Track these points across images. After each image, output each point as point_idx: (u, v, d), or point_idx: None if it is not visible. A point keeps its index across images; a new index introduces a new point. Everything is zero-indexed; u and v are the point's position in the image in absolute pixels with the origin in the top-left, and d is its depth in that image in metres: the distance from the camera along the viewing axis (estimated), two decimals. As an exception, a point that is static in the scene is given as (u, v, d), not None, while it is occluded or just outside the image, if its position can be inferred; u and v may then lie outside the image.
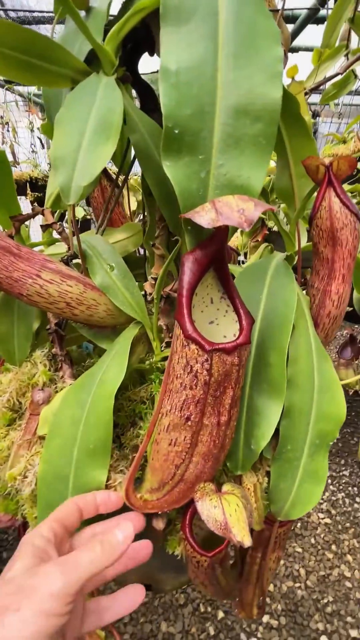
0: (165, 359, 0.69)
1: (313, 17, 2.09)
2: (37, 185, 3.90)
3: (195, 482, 0.51)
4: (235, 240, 2.32)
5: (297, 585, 1.96)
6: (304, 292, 0.76)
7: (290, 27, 2.21)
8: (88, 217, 3.35)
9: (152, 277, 0.64)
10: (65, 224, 0.85)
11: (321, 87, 1.70)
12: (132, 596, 0.50)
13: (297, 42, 2.46)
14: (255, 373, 0.57)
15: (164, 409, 0.49)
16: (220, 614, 1.83)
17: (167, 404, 0.48)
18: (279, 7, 1.44)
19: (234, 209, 0.34)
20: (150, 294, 0.64)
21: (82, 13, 0.55)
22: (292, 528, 2.23)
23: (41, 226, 0.71)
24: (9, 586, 0.37)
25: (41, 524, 0.46)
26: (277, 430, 0.61)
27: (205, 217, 0.35)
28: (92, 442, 0.58)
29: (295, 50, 2.56)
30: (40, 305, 0.63)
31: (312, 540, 2.18)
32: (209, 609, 1.84)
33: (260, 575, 0.73)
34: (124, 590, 0.51)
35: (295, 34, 2.28)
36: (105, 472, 0.56)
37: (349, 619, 1.82)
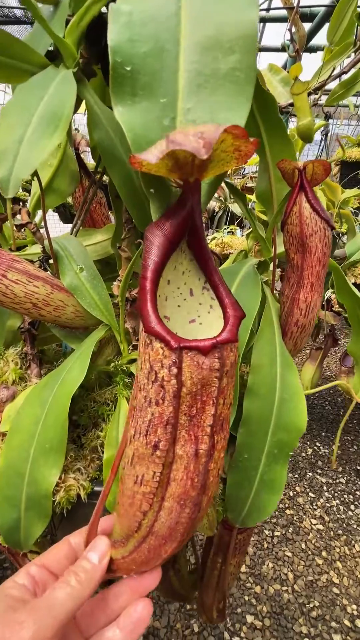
0: (132, 361, 0.69)
1: (331, 15, 2.02)
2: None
3: (169, 536, 0.38)
4: (242, 244, 2.30)
5: (284, 588, 1.95)
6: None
7: (307, 25, 2.14)
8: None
9: (118, 280, 0.64)
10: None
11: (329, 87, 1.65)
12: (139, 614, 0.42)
13: (315, 42, 2.36)
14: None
15: (128, 435, 0.37)
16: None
17: (131, 427, 0.36)
18: (295, 4, 1.40)
19: (189, 135, 0.26)
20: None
21: (51, 8, 0.55)
22: (284, 533, 2.22)
23: (16, 226, 0.72)
24: None
25: (20, 569, 0.41)
26: (234, 438, 0.61)
27: (153, 151, 0.26)
28: (48, 441, 0.58)
29: (313, 50, 2.44)
30: (6, 305, 0.64)
31: (303, 546, 2.16)
32: (195, 607, 1.85)
33: (221, 579, 0.74)
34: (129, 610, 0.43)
35: (313, 33, 2.18)
36: (57, 472, 0.57)
37: (333, 624, 1.81)
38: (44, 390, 0.63)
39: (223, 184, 2.98)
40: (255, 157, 2.40)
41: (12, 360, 0.74)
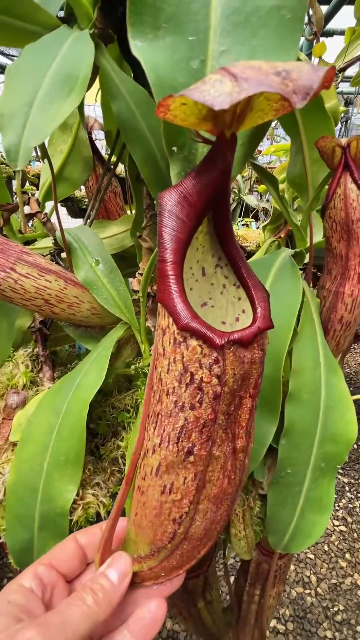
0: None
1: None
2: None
3: (204, 537, 0.35)
4: (257, 237, 2.20)
5: (307, 591, 1.86)
6: (316, 294, 0.68)
7: (324, 8, 2.05)
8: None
9: (139, 273, 0.57)
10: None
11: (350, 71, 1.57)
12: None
13: (331, 25, 2.27)
14: (248, 385, 0.49)
15: (149, 443, 0.33)
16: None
17: (155, 435, 0.32)
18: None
19: (268, 72, 0.20)
20: (138, 291, 0.57)
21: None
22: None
23: (25, 215, 0.66)
24: None
25: (26, 569, 0.37)
26: (275, 451, 0.54)
27: (213, 91, 0.19)
28: (64, 454, 0.52)
29: (329, 34, 2.35)
30: (15, 302, 0.58)
31: (326, 547, 2.07)
32: None
33: (260, 614, 0.65)
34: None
35: (329, 16, 2.09)
36: (74, 488, 0.51)
37: (359, 628, 1.72)
38: (57, 396, 0.57)
39: (239, 177, 2.90)
40: (270, 147, 2.31)
41: (22, 363, 0.68)
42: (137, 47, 0.30)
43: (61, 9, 0.51)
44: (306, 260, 0.68)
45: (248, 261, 0.64)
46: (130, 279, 0.57)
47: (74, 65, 0.37)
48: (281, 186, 1.06)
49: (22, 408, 0.60)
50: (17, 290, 0.56)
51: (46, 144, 0.73)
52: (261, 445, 0.48)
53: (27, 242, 0.87)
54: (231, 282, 0.35)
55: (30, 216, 0.66)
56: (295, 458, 0.52)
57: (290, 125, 0.65)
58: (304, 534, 0.53)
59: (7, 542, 0.54)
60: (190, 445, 0.30)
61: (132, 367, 0.61)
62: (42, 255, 0.73)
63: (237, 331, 0.28)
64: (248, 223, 2.52)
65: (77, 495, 0.53)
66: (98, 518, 0.54)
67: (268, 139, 3.36)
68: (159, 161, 0.47)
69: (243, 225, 2.48)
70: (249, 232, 2.13)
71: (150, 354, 0.64)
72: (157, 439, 0.32)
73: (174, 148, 0.30)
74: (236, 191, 2.55)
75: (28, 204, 0.69)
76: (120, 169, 1.41)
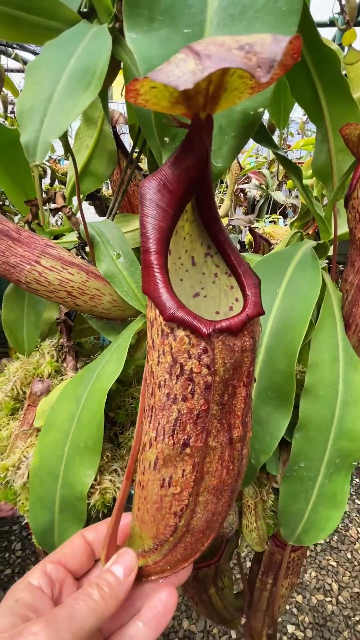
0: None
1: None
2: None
3: (207, 528, 0.35)
4: (285, 234, 2.16)
5: (328, 599, 1.83)
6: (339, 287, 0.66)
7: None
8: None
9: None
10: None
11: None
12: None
13: None
14: (262, 378, 0.50)
15: (146, 437, 0.33)
16: (244, 619, 1.77)
17: (151, 428, 0.32)
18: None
19: (231, 47, 0.19)
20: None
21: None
22: (328, 541, 2.09)
23: (50, 210, 0.69)
24: None
25: (35, 567, 0.38)
26: (289, 445, 0.53)
27: (177, 71, 0.18)
28: (84, 440, 0.54)
29: None
30: (40, 294, 0.61)
31: (349, 555, 2.02)
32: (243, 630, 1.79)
33: (271, 602, 0.66)
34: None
35: None
36: (92, 473, 0.53)
37: None
38: (79, 385, 0.59)
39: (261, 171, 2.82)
40: (299, 141, 2.24)
41: (47, 353, 0.71)
42: (132, 39, 0.30)
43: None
44: (330, 252, 0.66)
45: (270, 253, 0.63)
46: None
47: (92, 60, 0.38)
48: (310, 181, 1.03)
49: (46, 395, 0.63)
50: (41, 282, 0.59)
51: (72, 140, 0.75)
52: (273, 438, 0.48)
53: (56, 237, 0.90)
54: (222, 271, 0.34)
55: (55, 211, 0.68)
56: (309, 452, 0.52)
57: (315, 113, 0.63)
58: (316, 527, 0.52)
59: (30, 522, 0.57)
60: (186, 437, 0.30)
61: (150, 358, 0.62)
62: (67, 248, 0.76)
63: (224, 319, 0.28)
64: (276, 220, 2.46)
65: (95, 480, 0.55)
66: (114, 503, 0.56)
67: (299, 134, 3.24)
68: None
69: (270, 222, 2.42)
70: (276, 229, 2.08)
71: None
72: (152, 432, 0.32)
73: (166, 139, 0.31)
74: (264, 187, 2.50)
75: (54, 199, 0.71)
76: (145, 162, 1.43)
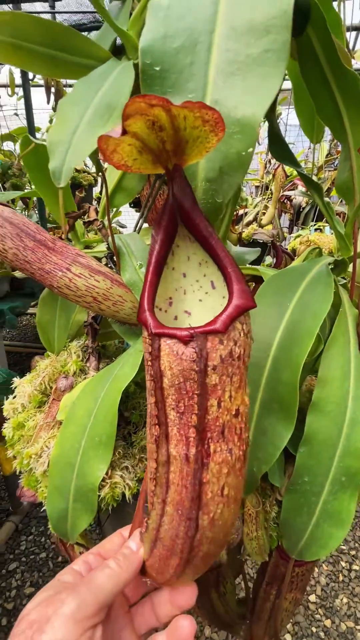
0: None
1: None
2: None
3: (172, 548, 0.35)
4: (330, 243, 2.10)
5: (359, 627, 1.73)
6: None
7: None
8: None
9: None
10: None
11: None
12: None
13: None
14: (267, 389, 0.51)
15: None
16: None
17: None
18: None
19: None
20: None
21: (119, 4, 0.56)
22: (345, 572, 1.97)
23: (83, 222, 0.75)
24: (20, 625, 0.34)
25: (78, 558, 0.43)
26: (293, 457, 0.54)
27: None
28: (98, 435, 0.58)
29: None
30: (69, 298, 0.66)
31: (382, 585, 1.90)
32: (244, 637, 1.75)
33: (274, 614, 0.66)
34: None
35: None
36: (104, 467, 0.57)
37: None
38: (98, 384, 0.64)
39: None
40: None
41: (74, 352, 0.77)
42: None
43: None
44: (350, 269, 0.66)
45: (285, 268, 0.65)
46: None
47: (114, 96, 0.42)
48: None
49: (69, 392, 0.68)
50: (71, 287, 0.65)
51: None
52: (275, 448, 0.49)
53: (88, 246, 0.97)
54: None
55: (88, 223, 0.74)
56: (314, 467, 0.52)
57: (339, 131, 0.64)
58: (318, 544, 0.52)
59: (47, 508, 0.62)
60: (154, 433, 0.33)
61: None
62: (98, 257, 0.82)
63: (175, 328, 0.30)
64: (322, 228, 2.41)
65: (107, 474, 0.59)
66: (123, 499, 0.60)
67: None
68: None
69: (316, 229, 2.38)
70: (321, 237, 2.03)
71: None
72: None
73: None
74: (310, 194, 2.46)
75: (89, 212, 0.77)
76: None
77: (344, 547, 2.08)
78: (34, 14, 0.49)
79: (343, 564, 1.99)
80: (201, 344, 0.29)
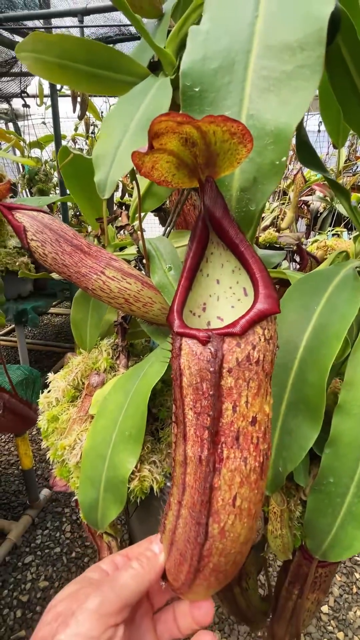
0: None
1: None
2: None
3: (184, 554, 0.36)
4: (348, 248, 2.07)
5: None
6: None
7: None
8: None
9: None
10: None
11: None
12: None
13: None
14: (293, 390, 0.52)
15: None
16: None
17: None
18: None
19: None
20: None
21: (155, 22, 0.59)
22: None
23: (116, 227, 0.78)
24: (47, 615, 0.36)
25: (107, 557, 0.45)
26: (319, 459, 0.55)
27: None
28: (128, 429, 0.61)
29: None
30: (103, 300, 0.70)
31: None
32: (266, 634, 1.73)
33: (296, 613, 0.67)
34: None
35: None
36: (134, 460, 0.59)
37: None
38: (128, 381, 0.67)
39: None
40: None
41: (105, 350, 0.81)
42: None
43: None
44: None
45: (311, 272, 0.66)
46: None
47: (154, 111, 0.45)
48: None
49: (101, 387, 0.71)
50: (104, 289, 0.68)
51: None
52: (301, 449, 0.51)
53: (121, 248, 1.01)
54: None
55: (120, 228, 0.78)
56: (339, 469, 0.53)
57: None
58: (342, 545, 0.53)
59: (79, 497, 0.65)
60: (176, 431, 0.34)
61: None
62: (128, 260, 0.85)
63: (196, 329, 0.30)
64: (339, 233, 2.38)
65: (136, 467, 0.62)
66: (151, 492, 0.62)
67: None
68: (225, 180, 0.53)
69: (333, 235, 2.35)
70: (339, 242, 2.01)
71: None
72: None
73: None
74: (328, 199, 2.44)
75: (120, 217, 0.81)
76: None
77: (358, 558, 2.02)
78: (77, 37, 0.53)
79: (357, 575, 1.94)
80: (217, 345, 0.29)
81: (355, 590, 1.89)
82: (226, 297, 0.39)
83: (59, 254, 0.66)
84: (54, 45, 0.52)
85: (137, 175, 0.81)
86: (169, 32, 0.52)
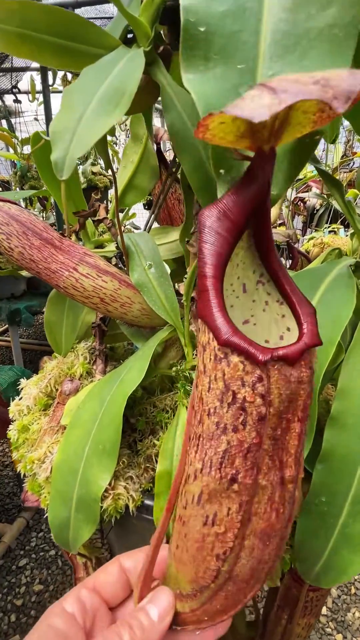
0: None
1: None
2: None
3: (251, 578, 0.32)
4: (344, 245, 2.05)
5: None
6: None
7: None
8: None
9: (185, 277, 0.58)
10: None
11: None
12: None
13: None
14: (282, 400, 0.47)
15: (191, 468, 0.32)
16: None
17: (197, 459, 0.31)
18: None
19: (306, 82, 0.20)
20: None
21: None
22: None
23: (93, 221, 0.73)
24: None
25: (70, 592, 0.37)
26: (310, 476, 0.50)
27: (252, 105, 0.19)
28: (102, 442, 0.56)
29: None
30: (76, 299, 0.64)
31: None
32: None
33: (285, 639, 0.62)
34: None
35: None
36: (108, 477, 0.54)
37: None
38: (104, 388, 0.61)
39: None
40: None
41: (81, 354, 0.75)
42: (189, 79, 0.32)
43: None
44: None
45: (303, 270, 0.61)
46: (178, 284, 0.59)
47: (123, 82, 0.40)
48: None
49: (75, 395, 0.66)
50: (77, 288, 0.62)
51: (120, 157, 0.79)
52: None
53: (100, 245, 0.95)
54: (274, 299, 0.34)
55: (98, 221, 0.72)
56: (332, 486, 0.48)
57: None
58: (336, 570, 0.48)
59: (49, 516, 0.59)
60: (234, 471, 0.29)
61: (174, 368, 0.62)
62: (108, 257, 0.79)
63: (281, 347, 0.27)
64: (336, 230, 2.35)
65: (110, 484, 0.56)
66: (126, 511, 0.57)
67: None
68: (207, 168, 0.48)
69: (330, 232, 2.32)
70: (335, 239, 1.97)
71: (194, 357, 0.64)
72: (198, 463, 0.31)
73: (222, 170, 0.32)
74: (324, 196, 2.41)
75: (98, 211, 0.75)
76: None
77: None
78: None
79: (357, 576, 1.91)
80: (309, 360, 0.29)
81: (353, 591, 1.86)
82: (226, 295, 0.34)
83: (26, 247, 0.60)
84: (15, 13, 0.46)
85: (116, 168, 0.75)
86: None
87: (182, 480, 0.34)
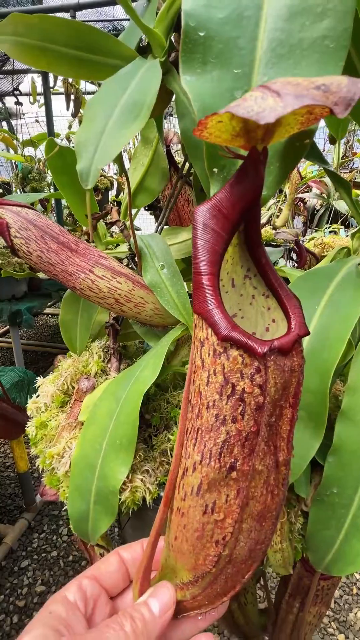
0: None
1: None
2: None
3: (249, 557, 0.33)
4: (346, 244, 2.05)
5: None
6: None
7: None
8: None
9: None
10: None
11: None
12: None
13: None
14: (294, 396, 0.49)
15: (189, 461, 0.33)
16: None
17: (195, 452, 0.32)
18: None
19: (308, 87, 0.20)
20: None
21: (145, 3, 0.55)
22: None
23: (106, 223, 0.75)
24: None
25: (71, 581, 0.38)
26: (320, 467, 0.52)
27: (257, 107, 0.20)
28: (119, 437, 0.58)
29: None
30: (92, 300, 0.66)
31: None
32: None
33: (297, 627, 0.64)
34: None
35: None
36: (126, 470, 0.56)
37: None
38: (119, 386, 0.63)
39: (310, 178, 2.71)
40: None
41: (96, 353, 0.77)
42: (187, 81, 0.33)
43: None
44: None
45: (311, 269, 0.63)
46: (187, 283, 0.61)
47: (142, 94, 0.42)
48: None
49: (91, 392, 0.68)
50: (93, 289, 0.65)
51: (128, 160, 0.81)
52: (302, 459, 0.47)
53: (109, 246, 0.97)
54: (260, 292, 0.35)
55: (110, 224, 0.74)
56: (343, 478, 0.50)
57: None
58: (346, 559, 0.50)
59: (68, 508, 0.62)
60: (233, 460, 0.30)
61: (186, 366, 0.64)
62: (119, 258, 0.81)
63: (277, 339, 0.28)
64: (336, 230, 2.35)
65: (127, 477, 0.58)
66: (144, 503, 0.59)
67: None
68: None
69: (331, 232, 2.32)
70: (336, 240, 1.98)
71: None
72: (197, 455, 0.31)
73: (215, 169, 0.33)
74: (325, 196, 2.41)
75: (111, 213, 0.77)
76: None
77: None
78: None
79: (357, 575, 1.92)
80: (300, 350, 0.30)
81: (355, 591, 1.87)
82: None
83: (44, 251, 0.62)
84: (34, 27, 0.48)
85: (127, 170, 0.77)
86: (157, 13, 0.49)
87: (180, 474, 0.34)
